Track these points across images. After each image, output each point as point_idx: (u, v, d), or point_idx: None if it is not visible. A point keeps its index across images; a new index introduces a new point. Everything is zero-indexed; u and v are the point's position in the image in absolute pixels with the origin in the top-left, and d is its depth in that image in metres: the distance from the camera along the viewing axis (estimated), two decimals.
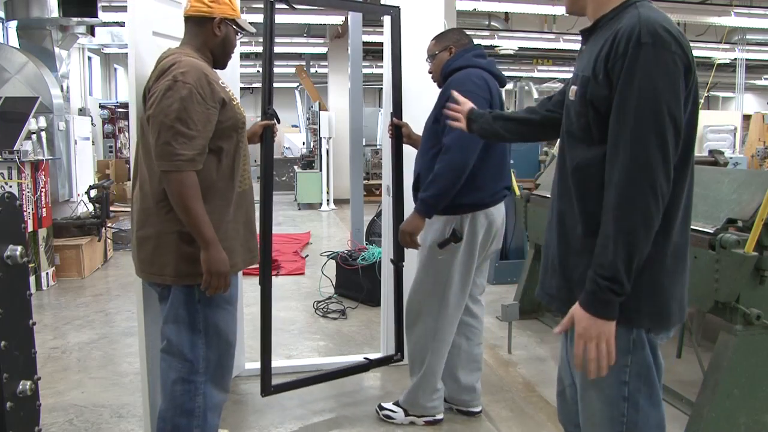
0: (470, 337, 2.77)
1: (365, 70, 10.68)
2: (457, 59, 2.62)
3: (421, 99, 3.00)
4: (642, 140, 1.26)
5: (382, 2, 3.27)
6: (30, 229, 5.00)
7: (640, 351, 1.39)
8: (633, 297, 1.33)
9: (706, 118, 11.41)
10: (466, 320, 2.76)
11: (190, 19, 2.09)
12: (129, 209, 2.28)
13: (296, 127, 17.63)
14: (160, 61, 2.03)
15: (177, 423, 2.04)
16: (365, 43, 5.82)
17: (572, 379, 1.59)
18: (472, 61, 2.59)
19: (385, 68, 3.24)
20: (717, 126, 11.18)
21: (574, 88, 1.42)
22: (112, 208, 6.18)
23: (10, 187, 4.83)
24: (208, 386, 2.08)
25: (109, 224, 6.17)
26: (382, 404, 2.82)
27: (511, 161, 4.62)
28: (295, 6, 2.92)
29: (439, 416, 2.74)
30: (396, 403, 2.78)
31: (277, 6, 2.71)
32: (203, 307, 2.03)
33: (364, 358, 3.17)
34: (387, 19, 3.16)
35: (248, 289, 3.75)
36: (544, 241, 1.59)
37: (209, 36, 2.09)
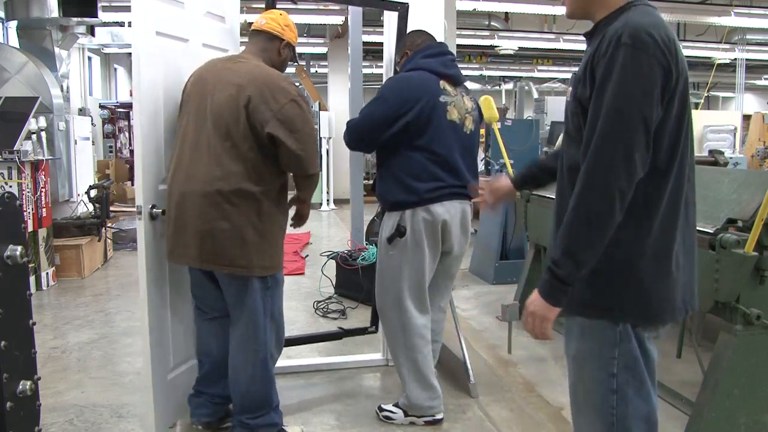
0: None
1: (365, 70, 10.66)
2: (408, 62, 2.68)
3: None
4: (608, 138, 1.30)
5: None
6: (30, 229, 5.00)
7: (626, 343, 1.43)
8: (615, 294, 1.41)
9: (706, 118, 11.39)
10: None
11: (262, 33, 2.37)
12: (133, 208, 2.33)
13: None
14: (244, 66, 2.25)
15: (267, 393, 2.40)
16: (365, 43, 5.82)
17: None
18: (419, 63, 2.63)
19: (385, 67, 3.26)
20: (717, 126, 11.17)
21: (569, 89, 1.50)
22: (112, 208, 6.18)
23: (10, 187, 4.83)
24: (272, 362, 2.45)
25: (109, 224, 6.17)
26: (382, 405, 2.82)
27: (511, 161, 4.65)
28: (298, 3, 3.00)
29: (439, 416, 2.75)
30: (396, 405, 2.79)
31: (281, 5, 2.74)
32: (271, 294, 2.36)
33: (339, 327, 3.43)
34: (389, 17, 3.20)
35: None
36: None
37: (275, 54, 2.40)
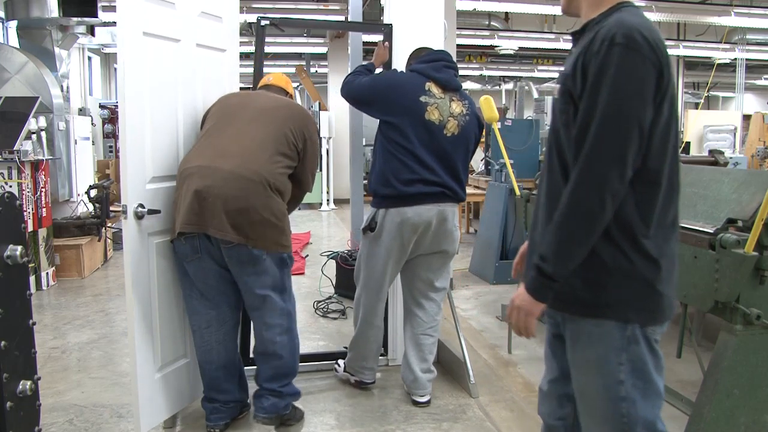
0: (414, 326, 2.98)
1: None
2: (406, 68, 3.00)
3: None
4: (604, 141, 1.31)
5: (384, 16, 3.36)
6: (30, 229, 5.00)
7: (635, 346, 1.42)
8: (622, 293, 1.40)
9: (706, 118, 11.40)
10: (414, 311, 2.99)
11: (273, 86, 2.88)
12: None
13: None
14: (273, 95, 2.75)
15: (295, 363, 2.66)
16: (365, 43, 5.80)
17: (557, 373, 1.65)
18: (412, 66, 2.90)
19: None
20: (717, 126, 11.18)
21: (557, 86, 1.47)
22: (112, 208, 6.17)
23: (10, 187, 4.83)
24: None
25: (109, 224, 6.17)
26: (339, 362, 3.23)
27: (512, 161, 4.65)
28: (284, 29, 3.15)
29: (367, 381, 3.09)
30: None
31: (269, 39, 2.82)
32: (287, 270, 2.60)
33: (344, 347, 3.35)
34: (389, 17, 3.29)
35: None
36: (528, 238, 1.62)
37: None
